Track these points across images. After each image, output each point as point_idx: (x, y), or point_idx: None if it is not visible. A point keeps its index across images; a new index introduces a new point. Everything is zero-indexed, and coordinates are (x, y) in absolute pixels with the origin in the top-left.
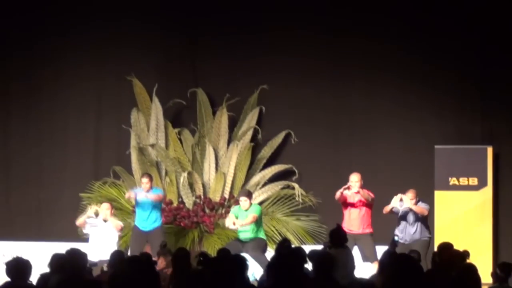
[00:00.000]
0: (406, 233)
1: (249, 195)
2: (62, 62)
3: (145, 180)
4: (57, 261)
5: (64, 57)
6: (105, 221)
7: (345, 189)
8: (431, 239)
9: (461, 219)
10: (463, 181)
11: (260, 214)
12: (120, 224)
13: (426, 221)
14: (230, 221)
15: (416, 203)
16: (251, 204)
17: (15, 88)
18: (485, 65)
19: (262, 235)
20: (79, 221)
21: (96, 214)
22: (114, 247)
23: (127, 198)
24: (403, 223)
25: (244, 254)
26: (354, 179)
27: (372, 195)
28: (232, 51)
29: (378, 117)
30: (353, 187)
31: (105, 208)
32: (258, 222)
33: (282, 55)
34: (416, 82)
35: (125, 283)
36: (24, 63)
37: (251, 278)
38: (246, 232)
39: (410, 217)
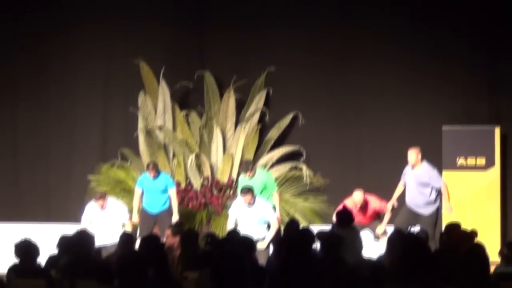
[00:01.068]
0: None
1: (247, 170)
2: (70, 45)
3: (151, 171)
4: (65, 243)
5: (72, 40)
6: (102, 207)
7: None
8: (439, 209)
9: (469, 199)
10: (471, 161)
11: (268, 181)
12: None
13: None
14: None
15: (415, 164)
16: (254, 173)
17: (23, 71)
18: (493, 45)
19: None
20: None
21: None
22: (118, 232)
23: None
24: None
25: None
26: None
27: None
28: (239, 33)
29: (386, 97)
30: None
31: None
32: (267, 190)
33: (289, 37)
34: (424, 62)
35: (134, 264)
36: (32, 46)
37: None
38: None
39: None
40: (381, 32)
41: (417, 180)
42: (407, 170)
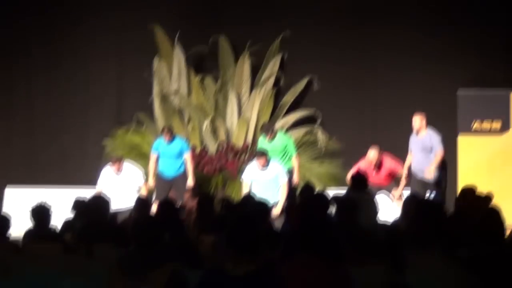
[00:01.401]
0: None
1: (267, 132)
2: (84, 9)
3: (166, 136)
4: (81, 207)
5: (87, 5)
6: (118, 172)
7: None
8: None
9: (484, 163)
10: (486, 125)
11: (288, 144)
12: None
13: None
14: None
15: (419, 129)
16: (274, 136)
17: (37, 37)
18: (509, 8)
19: (288, 166)
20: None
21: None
22: (134, 196)
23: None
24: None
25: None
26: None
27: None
28: None
29: (401, 61)
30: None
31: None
32: (286, 154)
33: (304, 1)
34: (440, 26)
35: (150, 228)
36: (46, 12)
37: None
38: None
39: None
40: None
41: (422, 145)
42: (412, 138)
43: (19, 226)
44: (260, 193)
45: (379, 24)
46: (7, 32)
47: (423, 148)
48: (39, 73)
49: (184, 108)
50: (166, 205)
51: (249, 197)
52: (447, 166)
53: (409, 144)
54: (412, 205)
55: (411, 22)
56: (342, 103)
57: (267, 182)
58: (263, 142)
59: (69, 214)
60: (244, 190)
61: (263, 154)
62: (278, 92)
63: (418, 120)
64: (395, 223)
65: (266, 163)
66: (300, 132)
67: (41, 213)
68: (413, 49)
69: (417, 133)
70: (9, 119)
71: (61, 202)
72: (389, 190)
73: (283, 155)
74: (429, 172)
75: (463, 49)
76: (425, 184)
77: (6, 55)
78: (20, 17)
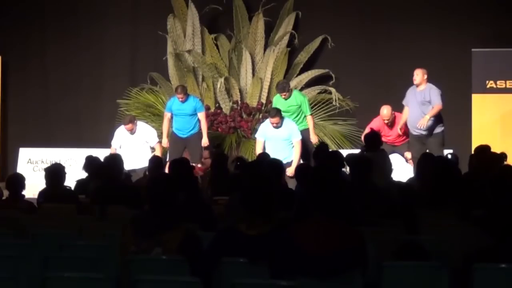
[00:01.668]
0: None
1: (283, 90)
2: None
3: (179, 95)
4: (94, 167)
5: None
6: (131, 132)
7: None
8: (444, 132)
9: (498, 122)
10: (500, 84)
11: (303, 103)
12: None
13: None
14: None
15: (420, 83)
16: (290, 95)
17: None
18: None
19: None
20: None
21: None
22: (147, 156)
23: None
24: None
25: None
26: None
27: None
28: None
29: (415, 20)
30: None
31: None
32: (301, 112)
33: None
34: None
35: (164, 188)
36: None
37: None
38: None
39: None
40: None
41: (421, 98)
42: (410, 91)
43: (33, 186)
44: (273, 152)
45: None
46: None
47: (422, 101)
48: (53, 34)
49: (198, 67)
50: (179, 164)
51: (263, 157)
52: (445, 123)
53: (405, 97)
54: (426, 165)
55: None
56: (356, 62)
57: (280, 140)
58: (278, 100)
59: (81, 173)
60: (257, 149)
61: (277, 112)
62: (292, 51)
63: (420, 74)
64: (409, 183)
65: (280, 121)
66: (314, 91)
67: (55, 173)
68: (427, 7)
69: (417, 86)
70: (23, 81)
71: (74, 163)
72: (403, 150)
73: (298, 114)
74: (424, 120)
75: (477, 9)
76: (423, 142)
77: (21, 16)
78: None
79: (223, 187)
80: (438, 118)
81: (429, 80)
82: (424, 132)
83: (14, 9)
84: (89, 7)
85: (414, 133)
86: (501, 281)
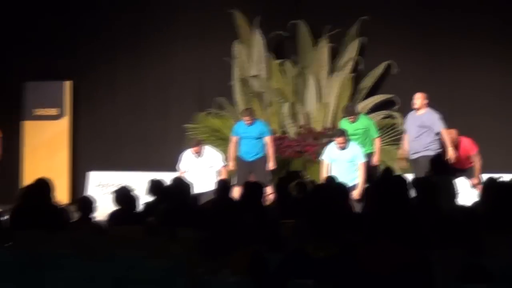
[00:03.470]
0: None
1: (350, 114)
2: None
3: (246, 117)
4: (163, 190)
5: None
6: (198, 155)
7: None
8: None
9: None
10: None
11: (370, 126)
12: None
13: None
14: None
15: (420, 107)
16: (356, 118)
17: (122, 22)
18: None
19: (369, 149)
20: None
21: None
22: (213, 179)
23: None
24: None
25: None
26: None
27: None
28: None
29: (477, 46)
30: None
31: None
32: (369, 136)
33: None
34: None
35: (230, 210)
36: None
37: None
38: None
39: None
40: None
41: (420, 123)
42: (409, 116)
43: (102, 209)
44: (338, 174)
45: (454, 11)
46: (94, 22)
47: (421, 125)
48: (122, 60)
49: (264, 92)
50: (252, 187)
51: (329, 180)
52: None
53: (405, 122)
54: (491, 188)
55: (486, 9)
56: (420, 88)
57: (345, 162)
58: (345, 124)
59: (149, 197)
60: (323, 171)
61: (342, 133)
62: (357, 76)
63: (420, 99)
64: (474, 206)
65: (345, 143)
66: (378, 116)
67: (124, 196)
68: (488, 35)
69: (417, 111)
70: (93, 106)
71: (142, 186)
72: (470, 175)
73: (365, 137)
74: (451, 154)
75: None
76: (420, 163)
77: (91, 43)
78: (106, 14)
79: (287, 210)
80: (434, 141)
81: (489, 104)
82: (419, 155)
83: (84, 35)
84: (157, 34)
85: (412, 156)
86: None
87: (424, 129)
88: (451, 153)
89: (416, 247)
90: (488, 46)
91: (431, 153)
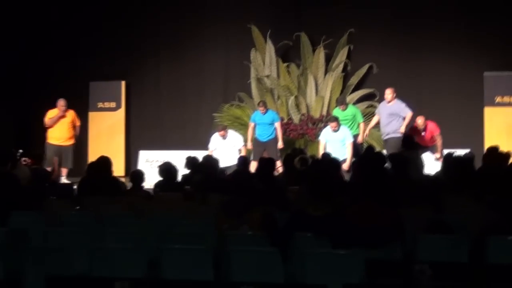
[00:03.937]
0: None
1: (341, 104)
2: (200, 12)
3: (261, 108)
4: (196, 164)
5: (201, 9)
6: (223, 137)
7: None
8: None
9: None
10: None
11: (357, 114)
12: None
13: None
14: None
15: (391, 100)
16: (346, 107)
17: (164, 33)
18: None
19: (356, 131)
20: (209, 150)
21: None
22: (236, 156)
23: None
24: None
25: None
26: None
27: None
28: (329, 2)
29: (441, 49)
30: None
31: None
32: (356, 121)
33: (367, 7)
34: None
35: (247, 179)
36: (172, 17)
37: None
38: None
39: (385, 117)
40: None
41: (390, 111)
42: (381, 105)
43: (150, 180)
44: (332, 151)
45: (424, 23)
46: (141, 35)
47: (391, 113)
48: (164, 61)
49: (274, 88)
50: (265, 161)
51: (325, 155)
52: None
53: (378, 109)
54: (449, 160)
55: (448, 17)
56: (394, 83)
57: (337, 142)
58: (337, 112)
59: (185, 170)
60: (320, 149)
61: (335, 119)
62: (346, 75)
63: (391, 93)
64: (437, 175)
65: (337, 126)
66: (362, 105)
67: (167, 169)
68: (447, 39)
69: (388, 102)
70: (141, 99)
71: (180, 161)
72: (433, 150)
73: (352, 122)
74: (402, 129)
75: (487, 39)
76: (390, 143)
77: (139, 48)
78: (152, 20)
79: (292, 179)
80: (398, 126)
81: (448, 99)
82: (389, 136)
83: (135, 41)
84: (192, 41)
85: (384, 138)
86: (509, 250)
87: (393, 116)
88: (402, 130)
89: (391, 207)
90: (447, 48)
91: (398, 135)
